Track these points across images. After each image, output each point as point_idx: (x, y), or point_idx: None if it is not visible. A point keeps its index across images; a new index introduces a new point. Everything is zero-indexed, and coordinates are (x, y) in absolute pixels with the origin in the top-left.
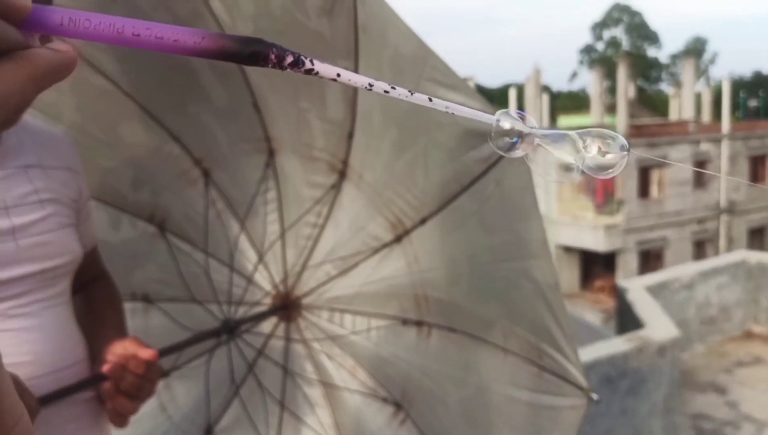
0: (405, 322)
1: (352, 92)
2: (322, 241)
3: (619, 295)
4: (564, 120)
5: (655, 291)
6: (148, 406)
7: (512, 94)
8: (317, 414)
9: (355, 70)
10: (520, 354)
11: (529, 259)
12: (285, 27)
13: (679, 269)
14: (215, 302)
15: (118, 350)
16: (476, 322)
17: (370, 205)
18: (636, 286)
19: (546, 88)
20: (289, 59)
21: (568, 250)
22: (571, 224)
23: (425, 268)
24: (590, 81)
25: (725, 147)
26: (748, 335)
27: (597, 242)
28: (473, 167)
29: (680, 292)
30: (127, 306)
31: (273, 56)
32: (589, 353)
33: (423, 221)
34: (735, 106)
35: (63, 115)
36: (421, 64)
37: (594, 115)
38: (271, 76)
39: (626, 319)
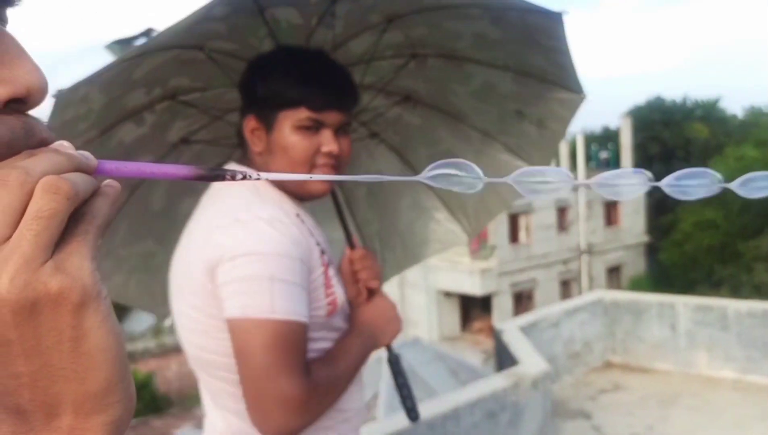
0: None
1: None
2: None
3: (496, 336)
4: None
5: (527, 330)
6: None
7: None
8: None
9: None
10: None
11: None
12: None
13: (546, 310)
14: None
15: (346, 263)
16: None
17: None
18: (510, 327)
19: None
20: (239, 176)
21: (447, 294)
22: (450, 269)
23: None
24: None
25: (582, 194)
26: (608, 365)
27: (474, 286)
28: None
29: (548, 330)
30: None
31: (228, 176)
32: (473, 391)
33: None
34: (588, 157)
35: None
36: None
37: None
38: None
39: (503, 358)
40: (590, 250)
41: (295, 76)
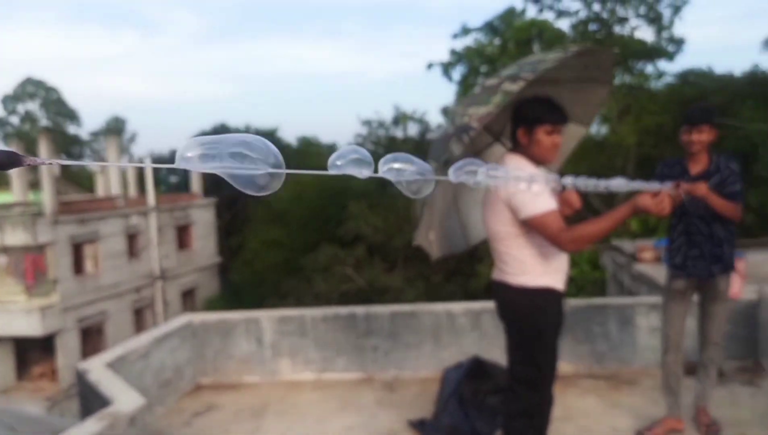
0: None
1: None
2: None
3: (78, 377)
4: None
5: (116, 366)
6: None
7: None
8: None
9: None
10: None
11: None
12: None
13: (136, 340)
14: None
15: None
16: None
17: None
18: (95, 365)
19: None
20: (38, 161)
21: None
22: (0, 311)
23: None
24: None
25: (153, 219)
26: (199, 388)
27: (32, 327)
28: None
29: (138, 362)
30: None
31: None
32: None
33: None
34: (158, 181)
35: None
36: None
37: (16, 193)
38: None
39: (91, 400)
40: (164, 276)
41: (546, 107)
